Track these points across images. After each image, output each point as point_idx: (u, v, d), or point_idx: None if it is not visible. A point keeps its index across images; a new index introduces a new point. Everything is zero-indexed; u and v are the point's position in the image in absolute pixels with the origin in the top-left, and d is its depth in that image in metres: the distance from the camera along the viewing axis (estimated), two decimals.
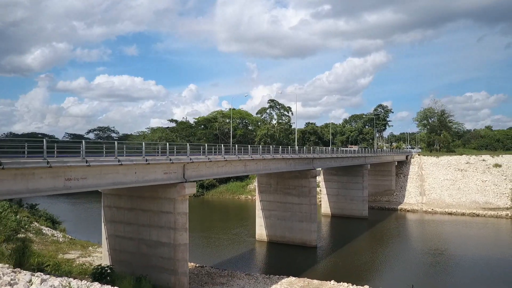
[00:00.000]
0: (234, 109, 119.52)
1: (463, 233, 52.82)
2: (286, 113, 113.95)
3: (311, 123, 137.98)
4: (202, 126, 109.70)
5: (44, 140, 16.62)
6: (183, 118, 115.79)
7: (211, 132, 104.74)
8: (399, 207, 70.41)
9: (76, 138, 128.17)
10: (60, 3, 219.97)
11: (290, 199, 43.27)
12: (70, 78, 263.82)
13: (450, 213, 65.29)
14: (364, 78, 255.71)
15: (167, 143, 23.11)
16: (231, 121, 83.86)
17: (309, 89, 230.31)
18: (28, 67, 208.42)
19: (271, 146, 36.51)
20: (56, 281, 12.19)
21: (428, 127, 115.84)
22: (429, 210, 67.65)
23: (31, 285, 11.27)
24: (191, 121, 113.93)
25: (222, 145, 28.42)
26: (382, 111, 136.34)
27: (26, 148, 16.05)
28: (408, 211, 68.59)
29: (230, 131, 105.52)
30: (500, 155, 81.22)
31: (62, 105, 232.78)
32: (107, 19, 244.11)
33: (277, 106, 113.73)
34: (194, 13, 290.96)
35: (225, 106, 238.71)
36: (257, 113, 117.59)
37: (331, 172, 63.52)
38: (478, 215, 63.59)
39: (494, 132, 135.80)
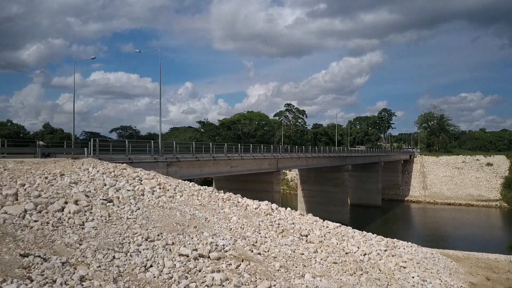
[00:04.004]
0: (252, 111, 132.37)
1: (459, 217, 65.55)
2: (300, 116, 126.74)
3: (319, 125, 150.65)
4: (226, 127, 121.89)
5: (225, 144, 28.86)
6: (204, 119, 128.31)
7: (235, 133, 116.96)
8: (406, 198, 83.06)
9: (93, 137, 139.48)
10: None
11: (326, 188, 55.58)
12: (65, 75, 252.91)
13: (448, 204, 78.00)
14: (360, 77, 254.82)
15: (271, 146, 35.42)
16: (282, 128, 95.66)
17: (305, 88, 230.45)
18: (23, 63, 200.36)
19: (322, 147, 48.88)
20: None
21: (428, 129, 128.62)
22: (431, 201, 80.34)
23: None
24: (216, 123, 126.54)
25: (296, 146, 40.72)
26: (386, 114, 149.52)
27: (212, 148, 28.27)
28: (413, 202, 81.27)
29: (250, 131, 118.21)
30: (492, 156, 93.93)
31: (57, 101, 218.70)
32: (104, 16, 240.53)
33: (293, 110, 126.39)
34: (190, 10, 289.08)
35: (221, 104, 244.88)
36: (274, 115, 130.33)
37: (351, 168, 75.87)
38: (472, 205, 76.35)
39: (487, 134, 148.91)
